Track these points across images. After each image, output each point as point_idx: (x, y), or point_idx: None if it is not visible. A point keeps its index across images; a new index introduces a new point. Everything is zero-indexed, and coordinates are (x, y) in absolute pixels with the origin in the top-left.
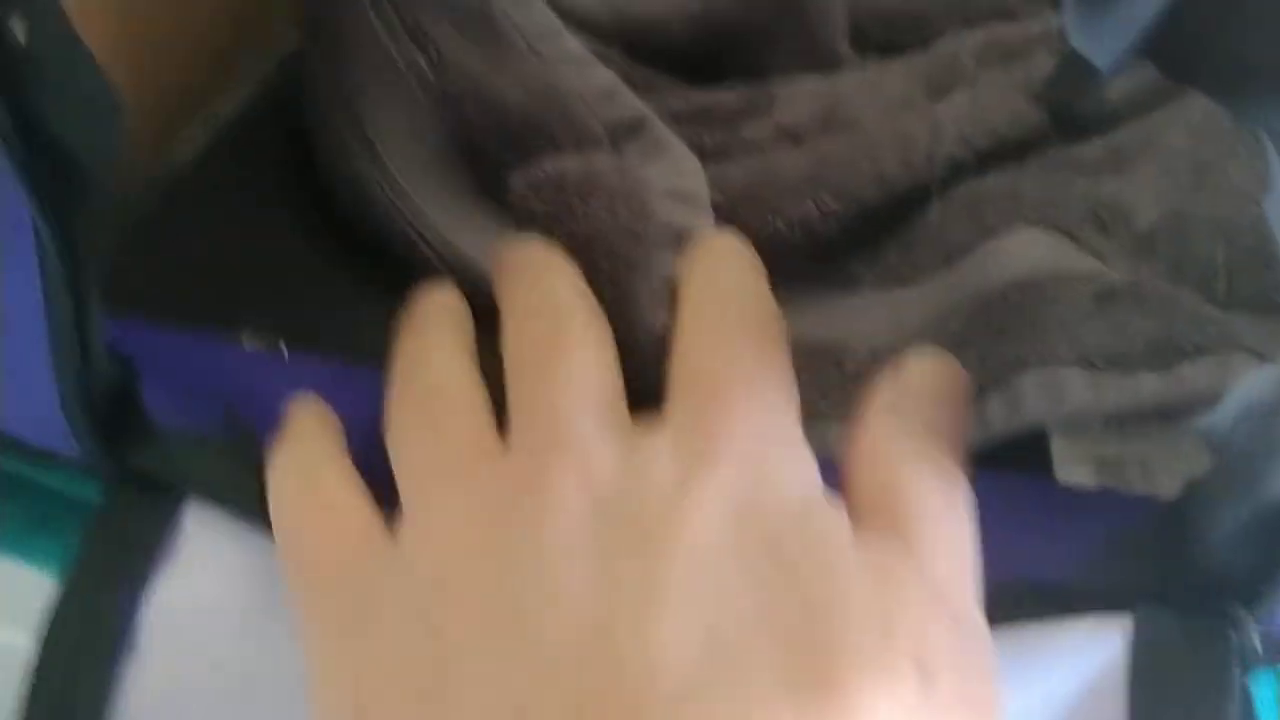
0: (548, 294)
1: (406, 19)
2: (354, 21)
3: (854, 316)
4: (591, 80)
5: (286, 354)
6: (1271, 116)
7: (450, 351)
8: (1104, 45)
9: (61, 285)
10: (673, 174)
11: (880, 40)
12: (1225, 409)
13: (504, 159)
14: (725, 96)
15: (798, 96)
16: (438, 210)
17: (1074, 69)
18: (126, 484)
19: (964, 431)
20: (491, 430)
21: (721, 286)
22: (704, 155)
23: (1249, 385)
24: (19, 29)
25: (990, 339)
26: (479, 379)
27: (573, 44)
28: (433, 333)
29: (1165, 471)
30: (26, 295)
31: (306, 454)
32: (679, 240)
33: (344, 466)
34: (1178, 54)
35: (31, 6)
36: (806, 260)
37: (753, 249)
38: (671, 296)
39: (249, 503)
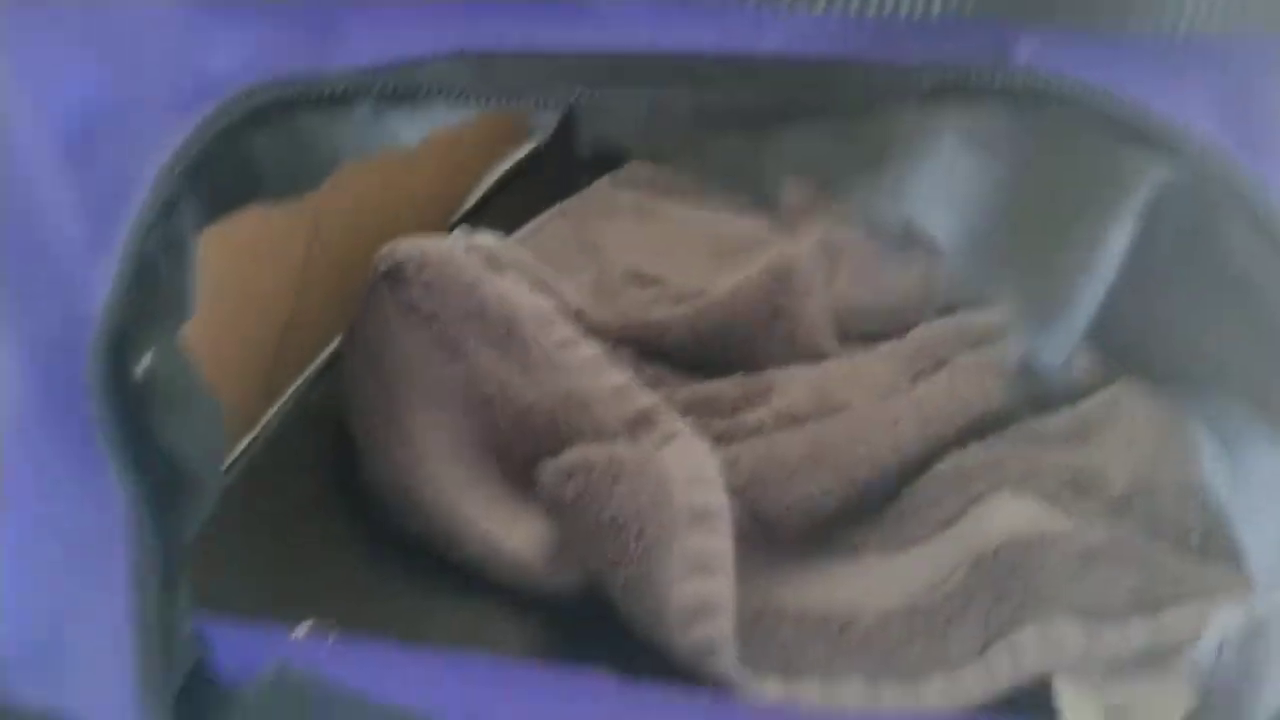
0: None
1: (442, 334)
2: (394, 336)
3: (860, 584)
4: (605, 381)
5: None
6: (1205, 403)
7: None
8: (1051, 348)
9: (155, 578)
10: (688, 458)
11: (861, 332)
12: (1206, 647)
13: (531, 456)
14: (726, 387)
15: (793, 384)
16: (473, 504)
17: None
18: None
19: None
20: None
21: None
22: (710, 440)
23: (1225, 625)
24: (143, 362)
25: (991, 599)
26: None
27: (587, 351)
28: None
29: (1163, 712)
30: (108, 595)
31: None
32: (700, 519)
33: None
34: (1119, 345)
35: (161, 344)
36: (810, 534)
37: None
38: (695, 570)
39: None
